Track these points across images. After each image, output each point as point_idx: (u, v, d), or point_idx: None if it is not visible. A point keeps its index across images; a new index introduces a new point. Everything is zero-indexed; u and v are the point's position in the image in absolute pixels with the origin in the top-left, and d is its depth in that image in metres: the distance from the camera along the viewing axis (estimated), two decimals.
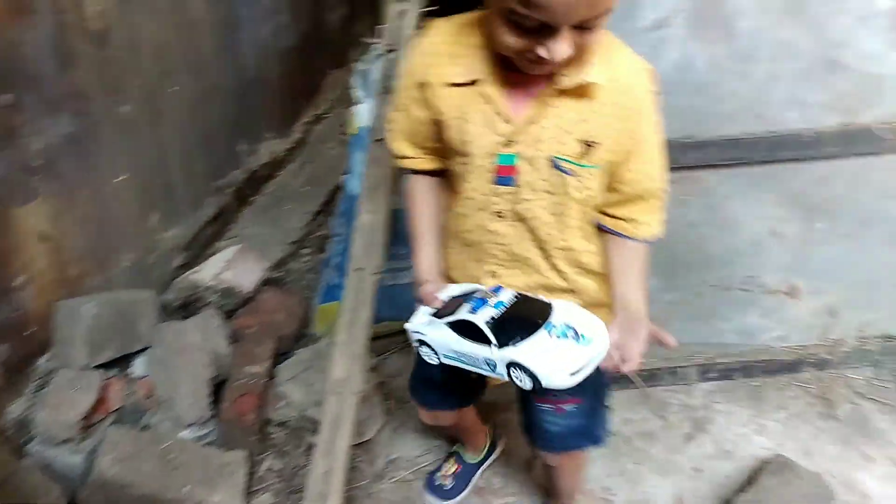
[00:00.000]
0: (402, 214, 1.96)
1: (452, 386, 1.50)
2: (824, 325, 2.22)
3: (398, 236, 2.05)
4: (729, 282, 2.10)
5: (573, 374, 1.06)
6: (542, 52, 0.96)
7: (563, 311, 1.14)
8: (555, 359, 1.06)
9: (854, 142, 1.90)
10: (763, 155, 1.87)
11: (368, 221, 1.64)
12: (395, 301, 2.19)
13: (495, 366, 1.10)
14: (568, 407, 1.40)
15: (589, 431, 1.46)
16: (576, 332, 1.09)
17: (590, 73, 1.05)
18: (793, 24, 1.75)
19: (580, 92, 1.07)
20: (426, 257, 1.28)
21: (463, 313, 1.12)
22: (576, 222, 1.20)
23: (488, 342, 1.09)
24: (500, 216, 1.20)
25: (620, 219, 1.23)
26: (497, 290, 1.16)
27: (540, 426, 1.43)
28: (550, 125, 1.10)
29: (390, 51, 1.61)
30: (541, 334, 1.08)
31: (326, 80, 3.31)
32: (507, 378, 1.11)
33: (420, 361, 1.39)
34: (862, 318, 2.22)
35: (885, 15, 1.76)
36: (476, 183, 1.18)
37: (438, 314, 1.17)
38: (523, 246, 1.22)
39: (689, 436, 2.09)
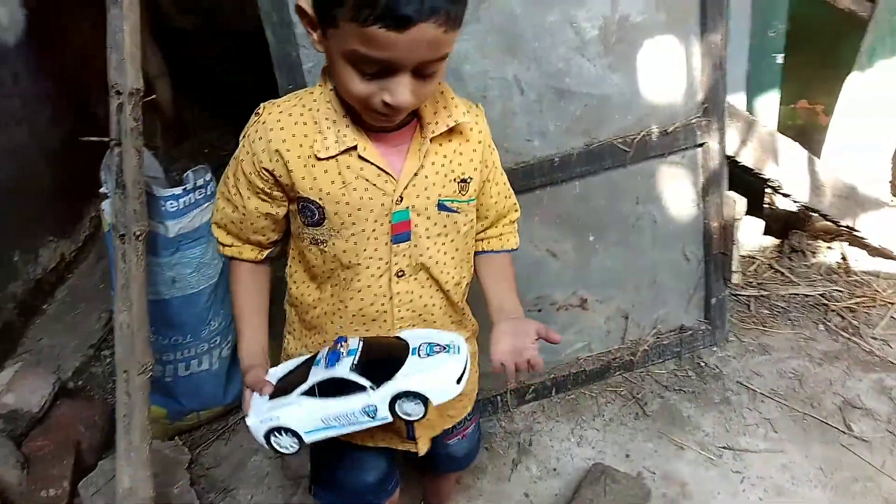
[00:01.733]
0: (160, 304, 1.92)
1: (387, 467, 1.46)
2: (621, 329, 2.34)
3: (171, 324, 2.00)
4: (522, 305, 2.16)
5: (458, 380, 1.07)
6: (386, 97, 0.98)
7: (415, 336, 1.15)
8: (436, 373, 1.06)
9: (602, 158, 2.03)
10: (519, 185, 1.96)
11: (124, 320, 1.57)
12: (198, 390, 2.12)
13: (376, 410, 1.06)
14: (470, 429, 1.52)
15: (479, 438, 1.63)
16: (440, 346, 1.10)
17: (452, 114, 1.14)
18: (515, 62, 1.86)
19: (449, 134, 1.16)
20: (249, 342, 1.23)
21: (320, 374, 1.06)
22: (464, 255, 1.27)
23: (362, 388, 1.04)
24: (400, 276, 1.19)
25: (489, 238, 1.35)
26: (340, 340, 1.11)
27: (450, 456, 1.53)
28: (431, 172, 1.15)
29: (115, 145, 1.57)
30: (411, 359, 1.08)
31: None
32: (390, 418, 1.07)
33: (331, 464, 1.39)
34: (654, 315, 2.35)
35: (596, 42, 1.91)
36: (371, 251, 1.16)
37: (284, 391, 1.09)
38: (427, 295, 1.23)
39: (516, 461, 2.12)
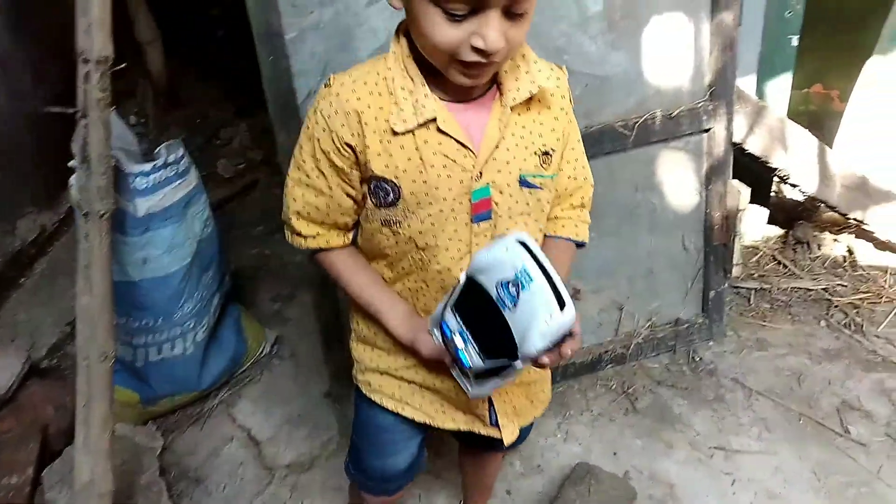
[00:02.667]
0: (130, 286, 1.83)
1: (417, 452, 1.38)
2: (615, 321, 2.25)
3: (141, 307, 1.91)
4: None
5: (561, 305, 0.89)
6: (477, 42, 0.88)
7: (480, 274, 0.97)
8: (540, 319, 0.90)
9: (601, 142, 1.92)
10: None
11: (87, 304, 1.48)
12: (171, 375, 2.05)
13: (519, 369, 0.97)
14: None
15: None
16: (513, 284, 0.93)
17: (535, 79, 1.03)
18: None
19: (528, 103, 1.05)
20: (397, 318, 1.13)
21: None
22: (542, 235, 1.18)
23: (506, 367, 0.96)
24: None
25: (555, 218, 1.22)
26: (445, 332, 1.00)
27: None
28: (512, 145, 1.05)
29: (81, 117, 1.46)
30: (508, 316, 0.93)
31: None
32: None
33: (366, 448, 1.35)
34: (648, 307, 2.26)
35: (599, 18, 1.79)
36: (450, 231, 1.07)
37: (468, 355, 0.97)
38: None
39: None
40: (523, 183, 1.07)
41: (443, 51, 0.92)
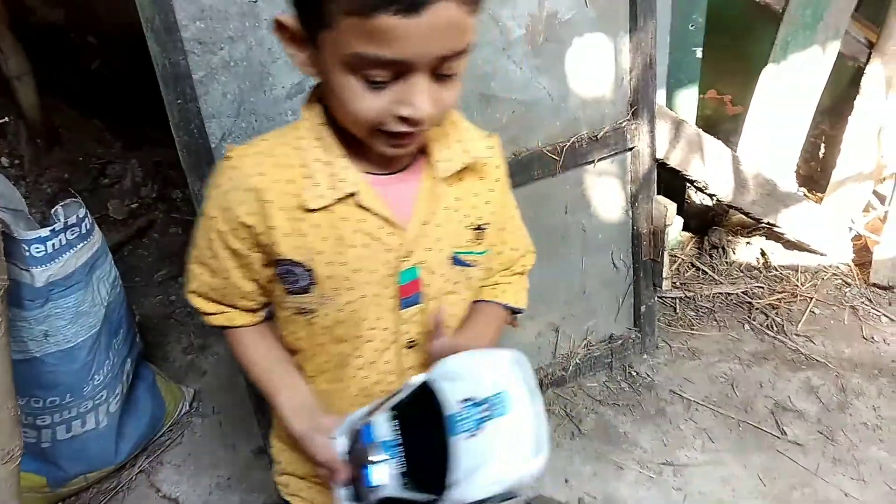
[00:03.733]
0: (31, 364, 1.62)
1: None
2: (552, 344, 2.22)
3: (46, 385, 1.70)
4: None
5: (536, 447, 0.74)
6: (403, 110, 0.77)
7: (440, 386, 0.79)
8: (500, 459, 0.74)
9: (530, 168, 1.88)
10: None
11: None
12: (84, 452, 1.85)
13: None
14: None
15: None
16: (483, 405, 0.75)
17: (468, 148, 0.93)
18: None
19: (461, 173, 0.93)
20: (293, 405, 0.95)
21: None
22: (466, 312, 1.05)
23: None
24: (411, 346, 0.96)
25: (494, 284, 1.10)
26: (366, 437, 0.81)
27: None
28: (443, 219, 0.92)
29: None
30: (457, 444, 0.75)
31: None
32: None
33: None
34: (584, 326, 2.25)
35: (522, 42, 1.75)
36: (373, 320, 0.93)
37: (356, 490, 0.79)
38: None
39: None
40: (456, 261, 0.96)
41: (364, 123, 0.80)
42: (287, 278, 0.91)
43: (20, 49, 3.16)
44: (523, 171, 1.86)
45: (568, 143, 1.88)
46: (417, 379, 0.81)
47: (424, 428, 0.77)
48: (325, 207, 0.87)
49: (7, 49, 3.11)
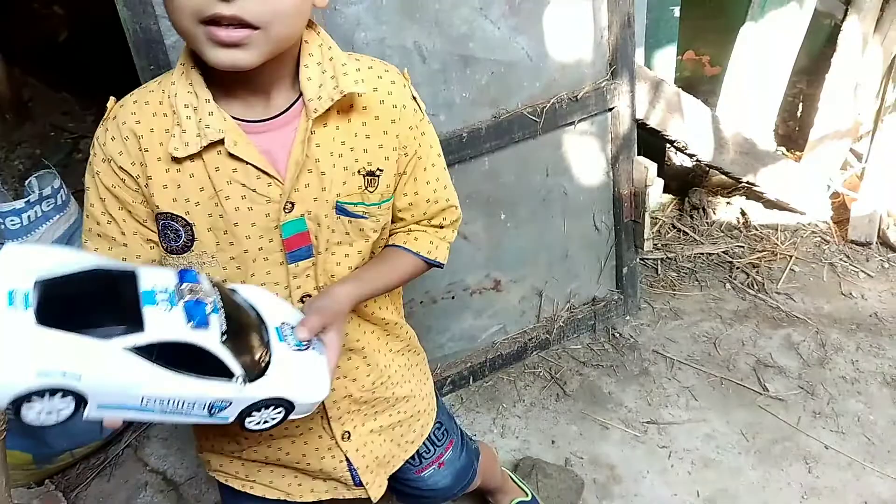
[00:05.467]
0: None
1: None
2: (536, 307, 2.23)
3: None
4: (434, 294, 2.00)
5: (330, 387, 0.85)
6: (220, 6, 0.71)
7: (264, 307, 0.85)
8: (312, 380, 0.83)
9: (510, 130, 1.87)
10: None
11: None
12: (69, 428, 1.81)
13: (224, 408, 0.76)
14: (448, 455, 1.27)
15: (470, 457, 1.35)
16: (306, 340, 0.84)
17: (339, 84, 0.85)
18: (415, 27, 1.65)
19: (348, 113, 0.88)
20: None
21: (170, 327, 0.70)
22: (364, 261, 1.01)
23: (228, 375, 0.74)
24: (304, 301, 0.93)
25: (406, 230, 1.04)
26: (187, 277, 0.76)
27: (431, 489, 1.27)
28: (328, 165, 0.87)
29: None
30: (280, 349, 0.81)
31: None
32: (230, 421, 0.78)
33: None
34: (567, 289, 2.25)
35: (500, 2, 1.72)
36: (262, 275, 0.89)
37: (77, 320, 0.67)
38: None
39: None
40: (340, 210, 0.91)
41: (183, 6, 0.74)
42: (166, 235, 0.88)
43: None
44: (504, 133, 1.85)
45: (548, 104, 1.87)
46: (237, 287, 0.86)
47: (248, 334, 0.79)
48: (193, 156, 0.84)
49: None
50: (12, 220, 1.50)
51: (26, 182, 1.57)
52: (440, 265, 1.07)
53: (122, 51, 1.39)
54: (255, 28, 0.75)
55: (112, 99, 0.90)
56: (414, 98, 0.96)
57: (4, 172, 3.02)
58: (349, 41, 1.59)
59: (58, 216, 1.60)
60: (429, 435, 1.25)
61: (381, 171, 0.93)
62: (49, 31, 3.53)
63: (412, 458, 1.22)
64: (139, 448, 2.04)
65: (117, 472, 1.97)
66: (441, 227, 1.07)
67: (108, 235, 0.90)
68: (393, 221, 1.03)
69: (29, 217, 1.53)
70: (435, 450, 1.27)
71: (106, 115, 0.88)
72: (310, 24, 0.88)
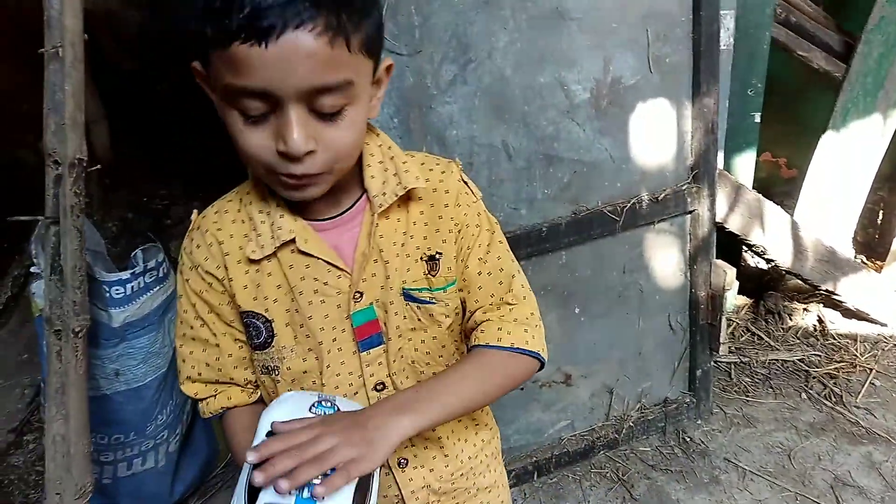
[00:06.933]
0: (100, 401, 1.65)
1: None
2: (606, 405, 2.20)
3: (112, 422, 1.74)
4: None
5: None
6: (280, 146, 0.76)
7: None
8: None
9: (589, 227, 1.90)
10: None
11: (59, 431, 1.32)
12: (141, 490, 1.87)
13: None
14: None
15: None
16: None
17: (402, 180, 0.90)
18: (503, 126, 1.72)
19: (406, 205, 0.92)
20: None
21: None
22: (450, 353, 1.01)
23: None
24: (380, 389, 0.95)
25: (472, 329, 0.99)
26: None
27: None
28: (391, 255, 0.91)
29: (51, 224, 1.33)
30: None
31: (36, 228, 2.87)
32: None
33: None
34: (638, 388, 2.22)
35: (587, 105, 1.78)
36: (337, 366, 0.92)
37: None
38: None
39: None
40: (407, 297, 0.93)
41: (255, 163, 0.79)
42: (250, 332, 0.92)
43: (96, 93, 3.32)
44: (583, 229, 1.88)
45: (628, 204, 1.90)
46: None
47: None
48: (269, 256, 0.88)
49: (86, 94, 3.26)
50: (117, 290, 1.60)
51: (132, 254, 1.67)
52: (527, 352, 0.99)
53: (216, 128, 1.47)
54: (316, 169, 0.81)
55: (195, 211, 0.96)
56: (465, 182, 1.00)
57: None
58: (442, 138, 1.67)
59: (157, 287, 1.69)
60: None
61: (441, 254, 0.95)
62: (152, 107, 3.79)
63: None
64: None
65: None
66: (504, 304, 1.01)
67: (202, 338, 0.95)
68: (464, 313, 1.01)
69: (132, 287, 1.62)
70: None
71: (191, 226, 0.94)
72: (368, 126, 0.94)
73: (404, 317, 0.94)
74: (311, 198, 0.84)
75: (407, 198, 0.93)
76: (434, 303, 0.96)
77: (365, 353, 0.94)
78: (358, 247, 0.91)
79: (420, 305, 0.95)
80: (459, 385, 0.92)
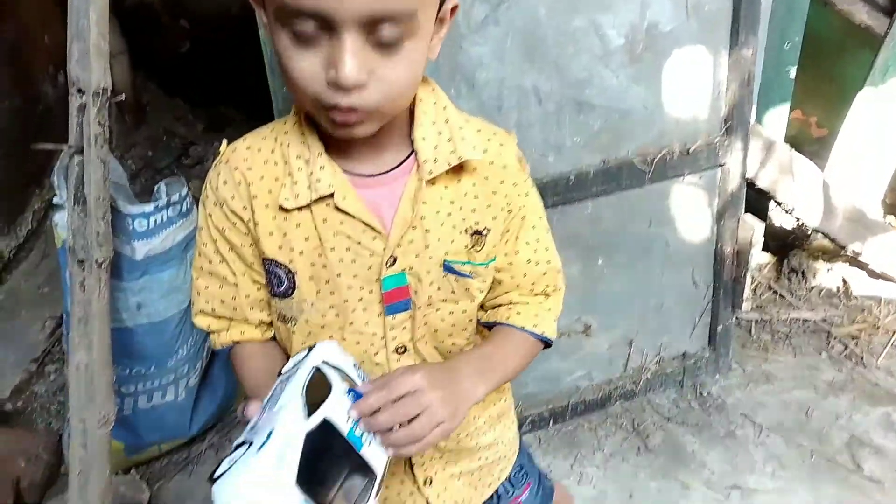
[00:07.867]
0: (122, 333, 1.67)
1: None
2: (624, 356, 2.19)
3: (134, 354, 1.76)
4: None
5: None
6: (330, 72, 0.71)
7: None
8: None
9: (618, 177, 1.86)
10: None
11: (82, 360, 1.33)
12: (161, 422, 1.90)
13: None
14: (523, 497, 1.27)
15: (545, 499, 1.34)
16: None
17: (457, 148, 0.86)
18: (534, 70, 1.67)
19: (458, 174, 0.88)
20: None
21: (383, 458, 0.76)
22: (473, 326, 1.01)
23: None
24: (401, 352, 0.95)
25: (500, 305, 1.01)
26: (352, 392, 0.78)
27: None
28: (435, 224, 0.88)
29: (74, 153, 1.32)
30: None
31: (57, 160, 2.86)
32: None
33: None
34: (657, 341, 2.21)
35: (621, 51, 1.73)
36: (360, 324, 0.91)
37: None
38: None
39: None
40: (447, 269, 0.91)
41: (302, 89, 0.74)
42: (271, 280, 0.90)
43: (117, 29, 3.27)
44: (612, 179, 1.85)
45: (659, 155, 1.86)
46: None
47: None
48: (302, 207, 0.85)
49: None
50: (140, 223, 1.59)
51: (156, 187, 1.66)
52: (548, 341, 1.03)
53: (237, 65, 1.44)
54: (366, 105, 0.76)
55: (224, 142, 0.92)
56: (520, 160, 0.97)
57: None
58: (471, 79, 1.63)
59: (181, 221, 1.68)
60: (508, 476, 1.24)
61: (489, 230, 0.92)
62: (172, 42, 3.73)
63: (490, 498, 1.22)
64: (220, 449, 2.10)
65: (199, 470, 2.02)
66: (545, 296, 1.05)
67: (220, 275, 0.92)
68: (495, 288, 1.01)
69: (156, 220, 1.61)
70: (513, 491, 1.27)
71: (218, 158, 0.90)
72: (424, 79, 0.88)
73: (438, 287, 0.92)
74: (358, 136, 0.79)
75: (459, 167, 0.88)
76: (473, 277, 0.94)
77: (390, 317, 0.92)
78: (399, 211, 0.87)
79: (458, 278, 0.93)
80: (509, 361, 0.96)
